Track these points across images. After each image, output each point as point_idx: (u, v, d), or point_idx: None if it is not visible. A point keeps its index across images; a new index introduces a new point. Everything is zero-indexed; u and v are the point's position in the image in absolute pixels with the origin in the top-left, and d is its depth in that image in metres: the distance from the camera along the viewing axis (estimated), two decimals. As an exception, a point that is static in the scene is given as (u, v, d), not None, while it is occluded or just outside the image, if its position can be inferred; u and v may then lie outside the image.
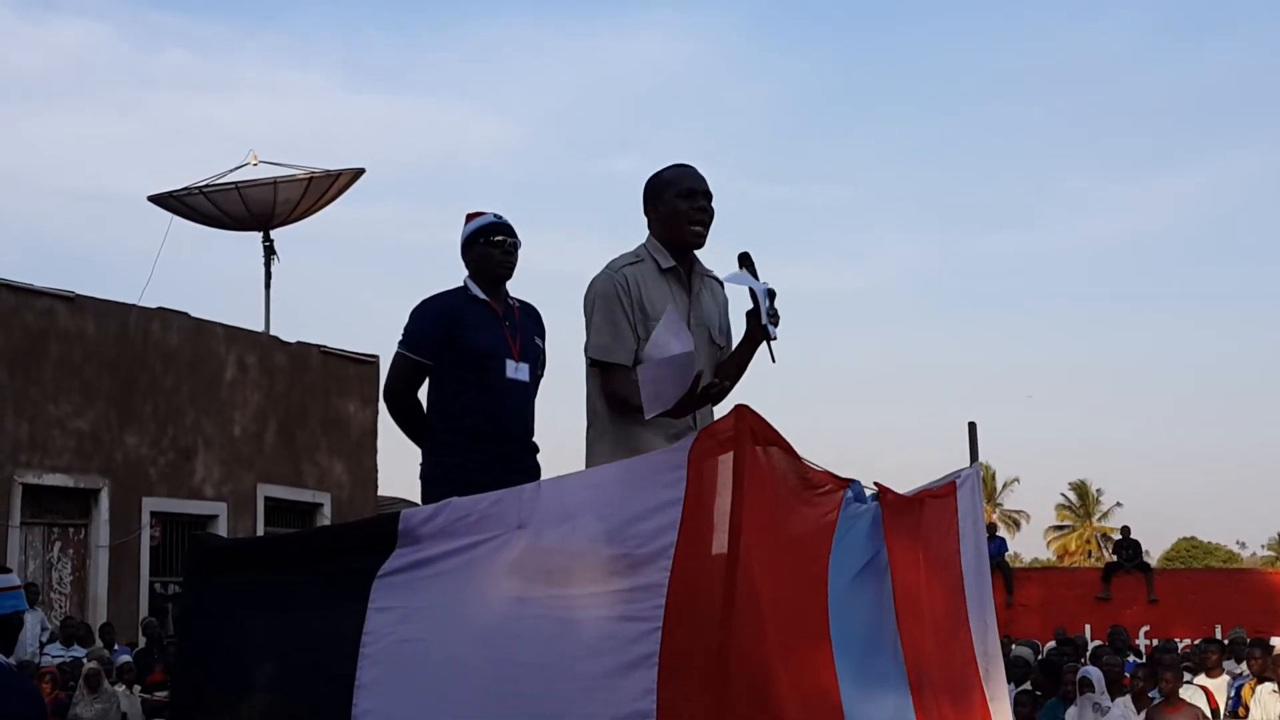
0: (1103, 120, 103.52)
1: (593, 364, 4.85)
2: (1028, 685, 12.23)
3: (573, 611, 3.74)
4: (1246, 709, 11.55)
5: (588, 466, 4.80)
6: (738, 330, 4.94)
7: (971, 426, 5.21)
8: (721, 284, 5.07)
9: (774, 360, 4.78)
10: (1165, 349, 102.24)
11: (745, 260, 4.78)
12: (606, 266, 4.90)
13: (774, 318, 4.69)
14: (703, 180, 4.93)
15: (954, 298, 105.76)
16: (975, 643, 4.67)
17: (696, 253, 4.99)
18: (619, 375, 4.74)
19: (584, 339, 4.89)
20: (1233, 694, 12.29)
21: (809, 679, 3.82)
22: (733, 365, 4.92)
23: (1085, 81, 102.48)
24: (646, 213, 4.99)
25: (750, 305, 4.76)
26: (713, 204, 4.94)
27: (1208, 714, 11.19)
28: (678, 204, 4.88)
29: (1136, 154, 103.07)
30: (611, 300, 4.80)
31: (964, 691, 4.52)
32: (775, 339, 4.72)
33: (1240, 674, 12.76)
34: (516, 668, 3.75)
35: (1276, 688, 10.54)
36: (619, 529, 3.75)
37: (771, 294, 4.71)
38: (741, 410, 3.76)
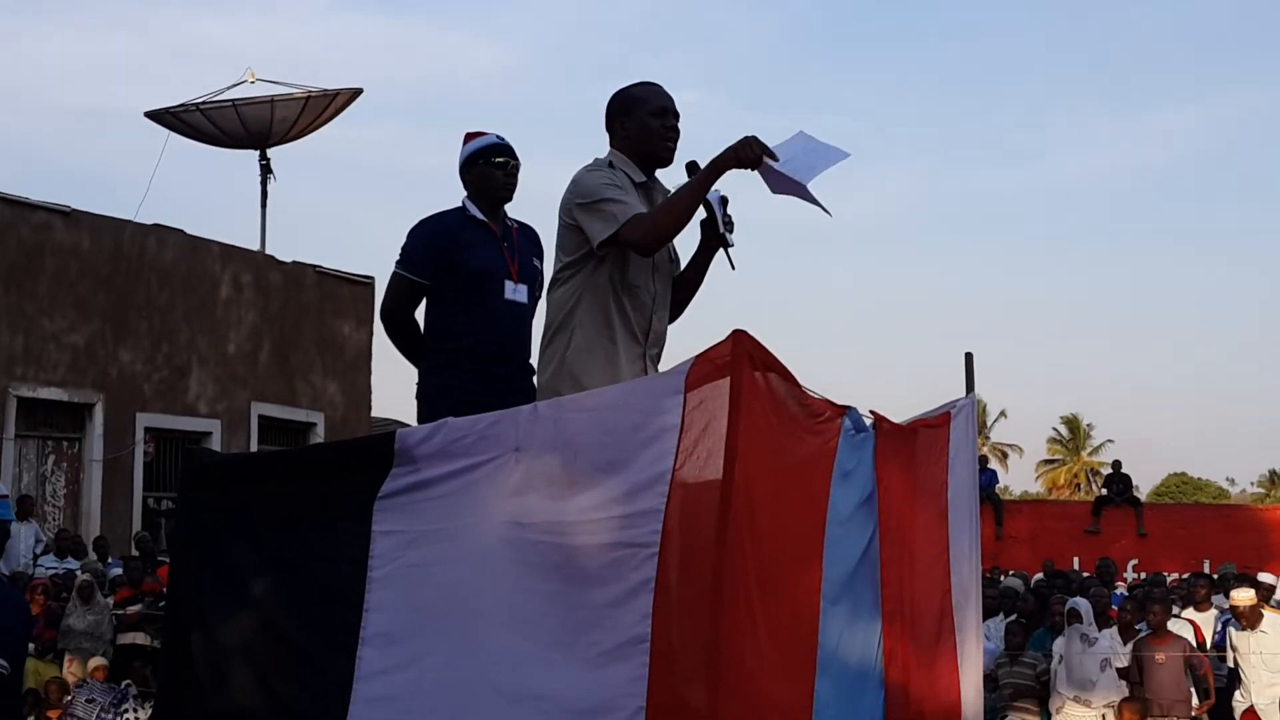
0: (1103, 53, 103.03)
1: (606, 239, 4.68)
2: (1016, 615, 12.32)
3: (574, 538, 3.75)
4: (1234, 645, 11.62)
5: (542, 375, 4.86)
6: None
7: (968, 357, 5.20)
8: None
9: (733, 268, 4.85)
10: (1160, 285, 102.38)
11: (694, 169, 4.80)
12: (593, 164, 4.87)
13: (729, 225, 4.75)
14: (671, 99, 4.94)
15: (951, 230, 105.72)
16: (951, 572, 4.67)
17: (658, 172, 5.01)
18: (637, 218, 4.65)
19: (567, 236, 4.84)
20: (1219, 628, 12.37)
21: (795, 603, 3.84)
22: (693, 272, 5.00)
23: (1085, 14, 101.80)
24: (612, 128, 4.96)
25: (704, 215, 4.79)
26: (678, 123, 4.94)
27: (1194, 647, 11.28)
28: (649, 121, 4.88)
29: (1137, 88, 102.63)
30: (610, 181, 4.75)
31: (934, 619, 4.54)
32: (733, 245, 4.79)
33: (1228, 609, 12.81)
34: (523, 595, 3.76)
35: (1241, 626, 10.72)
36: (617, 455, 3.75)
37: (724, 201, 4.76)
38: (739, 335, 3.75)
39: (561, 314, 4.85)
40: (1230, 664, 10.82)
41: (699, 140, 4.94)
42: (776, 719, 3.72)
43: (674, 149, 4.91)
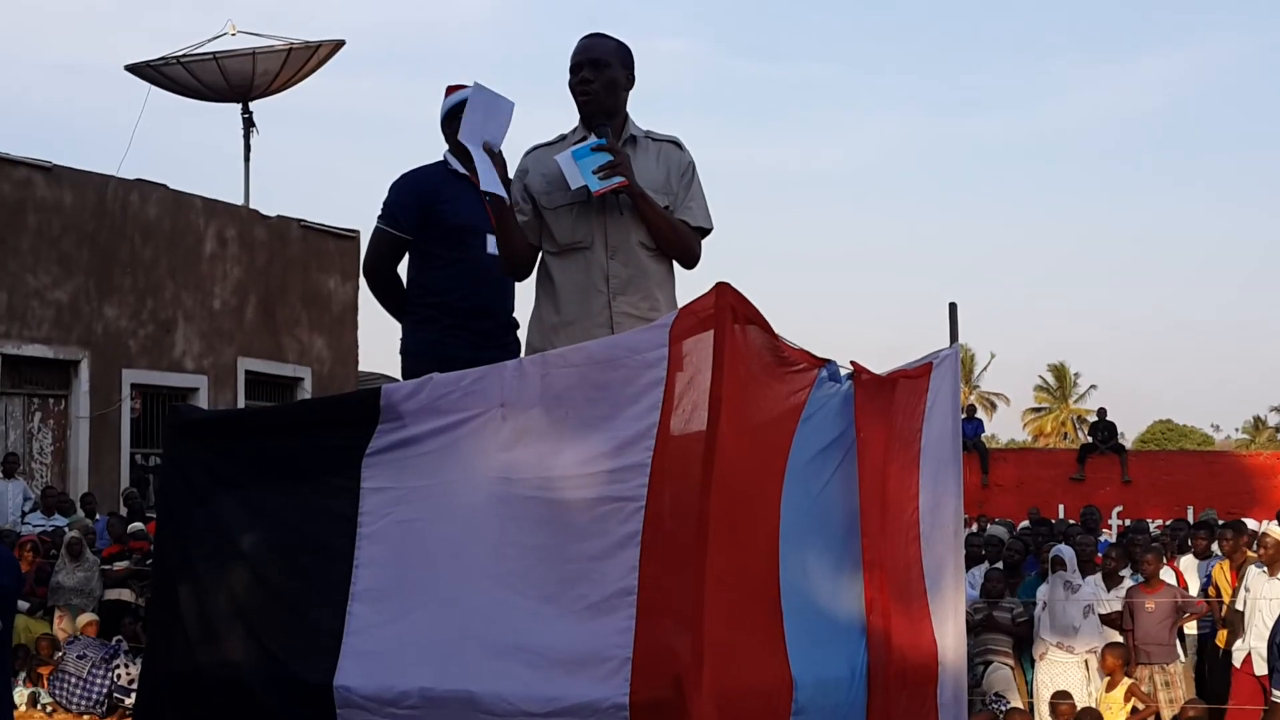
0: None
1: None
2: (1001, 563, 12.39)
3: (562, 493, 3.77)
4: (1217, 588, 11.67)
5: None
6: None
7: (952, 307, 5.18)
8: (678, 144, 4.98)
9: (622, 208, 4.71)
10: (1147, 233, 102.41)
11: (601, 134, 4.73)
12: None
13: (603, 169, 4.60)
14: (588, 50, 4.83)
15: (938, 178, 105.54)
16: (921, 521, 4.64)
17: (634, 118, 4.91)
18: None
19: None
20: (1201, 576, 12.41)
21: (754, 553, 3.85)
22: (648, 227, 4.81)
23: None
24: None
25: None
26: (605, 70, 4.81)
27: (1183, 595, 11.30)
28: (570, 78, 4.85)
29: (1122, 34, 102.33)
30: (519, 174, 4.93)
31: (905, 568, 4.54)
32: (605, 190, 4.63)
33: (1212, 555, 12.82)
34: (511, 549, 3.78)
35: (1263, 568, 10.44)
36: (604, 410, 3.77)
37: (602, 146, 4.65)
38: (722, 288, 3.76)
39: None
40: (1240, 605, 10.52)
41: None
42: (756, 667, 3.75)
43: (586, 101, 4.82)
